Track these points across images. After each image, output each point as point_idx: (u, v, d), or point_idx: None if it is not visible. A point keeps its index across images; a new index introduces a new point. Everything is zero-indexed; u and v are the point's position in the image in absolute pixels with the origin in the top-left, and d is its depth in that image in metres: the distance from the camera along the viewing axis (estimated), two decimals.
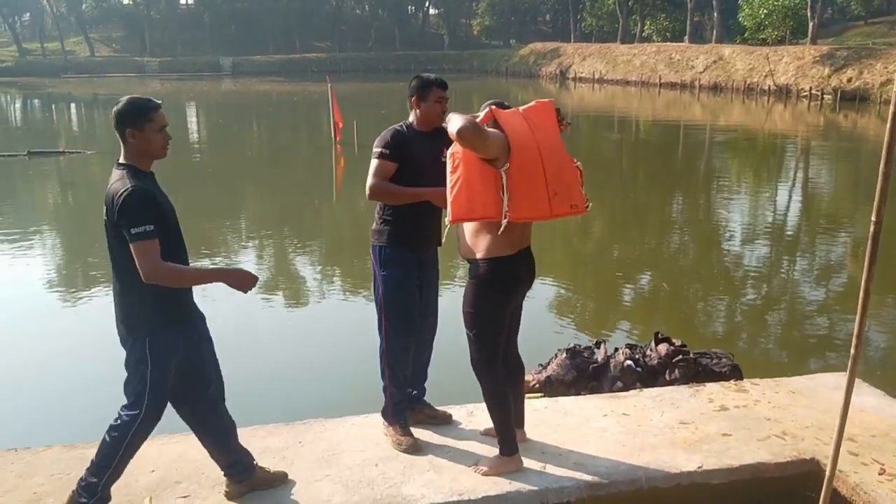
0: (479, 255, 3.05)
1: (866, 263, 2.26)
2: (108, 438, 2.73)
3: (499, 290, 3.07)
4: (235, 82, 50.93)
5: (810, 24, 37.95)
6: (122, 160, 2.73)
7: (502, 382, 3.13)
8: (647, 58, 42.59)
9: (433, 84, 3.47)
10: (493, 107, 3.08)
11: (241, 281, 2.76)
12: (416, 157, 3.39)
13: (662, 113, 31.25)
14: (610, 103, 35.24)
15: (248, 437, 3.22)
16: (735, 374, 4.48)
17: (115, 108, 2.73)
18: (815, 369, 5.39)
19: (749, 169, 17.85)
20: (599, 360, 4.64)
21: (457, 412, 3.67)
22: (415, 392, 3.63)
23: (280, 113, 31.88)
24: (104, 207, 2.65)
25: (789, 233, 11.26)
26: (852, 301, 7.76)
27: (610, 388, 4.40)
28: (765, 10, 36.26)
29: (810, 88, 31.02)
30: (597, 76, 44.95)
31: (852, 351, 2.38)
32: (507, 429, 3.12)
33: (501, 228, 2.91)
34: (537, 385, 4.56)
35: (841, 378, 3.87)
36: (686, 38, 48.01)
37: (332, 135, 17.92)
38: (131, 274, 2.61)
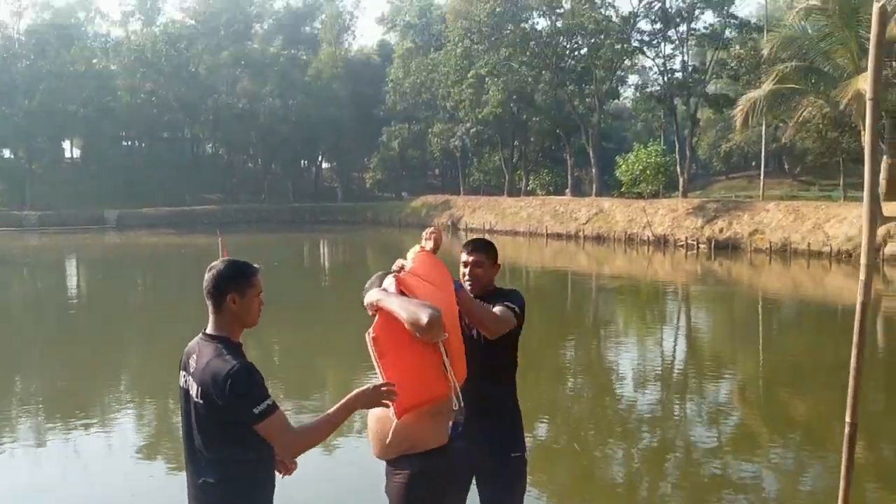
0: (419, 449, 2.78)
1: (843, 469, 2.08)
2: None
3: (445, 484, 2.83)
4: (120, 235, 49.52)
5: (681, 180, 41.04)
6: (212, 331, 2.53)
7: None
8: (533, 210, 44.55)
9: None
10: (399, 281, 2.90)
11: (371, 400, 2.56)
12: None
13: (550, 261, 32.31)
14: (500, 252, 36.11)
15: None
16: None
17: (212, 272, 2.56)
18: None
19: (635, 315, 18.36)
20: None
21: None
22: None
23: (166, 266, 30.87)
24: (195, 387, 2.41)
25: (677, 376, 11.38)
26: (745, 444, 7.79)
27: None
28: (639, 167, 39.01)
29: (686, 238, 32.99)
30: (487, 227, 46.46)
31: None
32: None
33: (456, 403, 2.69)
34: None
35: None
36: (568, 191, 50.81)
37: None
38: (238, 463, 2.38)
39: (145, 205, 59.60)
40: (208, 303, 2.57)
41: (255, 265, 2.66)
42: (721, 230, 31.95)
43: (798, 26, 26.23)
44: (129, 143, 74.18)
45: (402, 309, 2.66)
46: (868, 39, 23.70)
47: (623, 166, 40.44)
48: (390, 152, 66.56)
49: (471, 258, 3.51)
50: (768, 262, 28.01)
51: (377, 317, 2.79)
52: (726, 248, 30.88)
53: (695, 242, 32.51)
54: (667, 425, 8.86)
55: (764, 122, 33.94)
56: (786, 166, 58.19)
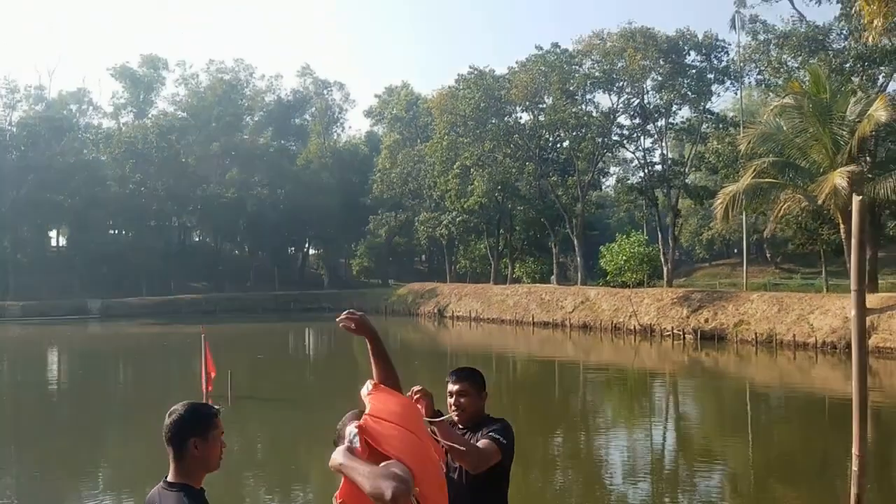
0: None
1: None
2: None
3: None
4: (103, 325, 49.02)
5: (665, 269, 41.46)
6: (173, 479, 2.44)
7: None
8: (519, 298, 44.68)
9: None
10: (362, 431, 2.64)
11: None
12: None
13: (537, 350, 32.20)
14: (487, 341, 36.09)
15: None
16: None
17: (172, 418, 2.49)
18: None
19: (623, 406, 18.25)
20: None
21: None
22: None
23: (148, 358, 30.43)
24: None
25: (668, 469, 11.25)
26: None
27: None
28: (623, 257, 39.46)
29: (672, 328, 33.09)
30: (473, 315, 46.45)
31: None
32: None
33: None
34: None
35: None
36: (553, 279, 51.10)
37: (204, 387, 16.90)
38: None
39: (130, 294, 59.30)
40: (168, 449, 2.50)
41: (216, 407, 2.62)
42: (706, 320, 32.11)
43: (773, 122, 27.09)
44: (116, 231, 74.32)
45: (365, 479, 2.47)
46: (841, 136, 24.58)
47: (607, 256, 40.89)
48: (377, 239, 67.07)
49: (455, 387, 3.47)
50: (754, 352, 28.07)
51: (342, 481, 2.63)
52: (712, 338, 30.97)
53: (681, 332, 32.60)
54: None
55: (744, 214, 34.61)
56: (767, 255, 59.00)
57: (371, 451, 2.58)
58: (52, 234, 72.80)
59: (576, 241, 46.98)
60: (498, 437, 3.34)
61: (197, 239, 79.65)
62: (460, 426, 3.46)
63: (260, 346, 32.62)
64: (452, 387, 3.50)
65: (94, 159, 68.12)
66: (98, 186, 63.96)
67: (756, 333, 29.48)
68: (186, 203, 67.44)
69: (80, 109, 71.23)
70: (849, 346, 26.10)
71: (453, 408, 3.47)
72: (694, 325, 32.33)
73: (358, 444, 2.62)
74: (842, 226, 25.77)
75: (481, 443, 3.30)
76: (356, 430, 2.65)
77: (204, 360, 16.80)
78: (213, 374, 16.65)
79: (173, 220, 71.97)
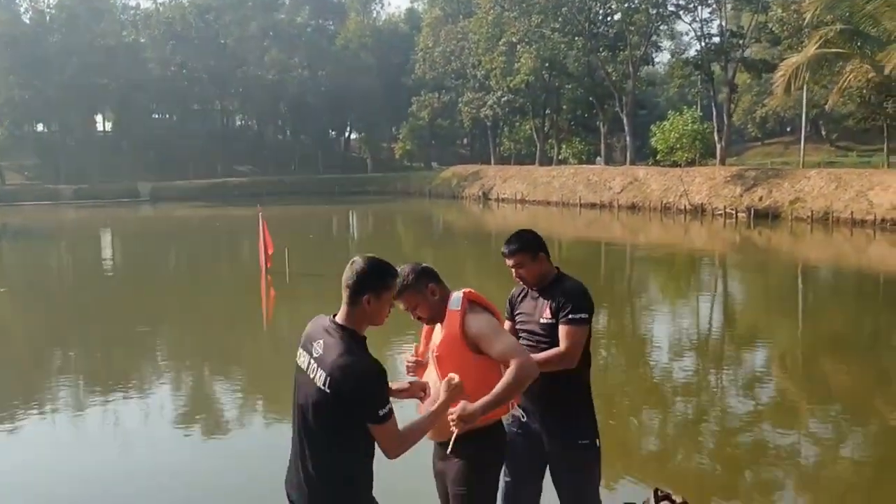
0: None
1: None
2: None
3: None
4: (154, 208, 50.02)
5: (718, 147, 40.20)
6: (342, 321, 2.60)
7: None
8: (565, 179, 44.05)
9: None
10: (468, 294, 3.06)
11: (454, 398, 2.72)
12: None
13: (584, 232, 31.97)
14: (533, 223, 35.83)
15: None
16: None
17: (354, 268, 2.63)
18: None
19: (671, 284, 18.04)
20: None
21: None
22: None
23: (201, 239, 31.07)
24: (321, 376, 2.49)
25: (714, 345, 11.15)
26: (783, 413, 7.58)
27: None
28: (675, 135, 38.26)
29: (724, 207, 32.41)
30: (518, 197, 46.11)
31: None
32: None
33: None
34: None
35: None
36: (600, 160, 50.13)
37: (263, 263, 17.18)
38: (352, 450, 2.51)
39: (178, 177, 60.10)
40: (344, 293, 2.62)
41: (396, 269, 2.71)
42: (760, 198, 31.32)
43: None
44: (160, 115, 74.64)
45: (502, 343, 2.93)
46: None
47: (658, 134, 39.67)
48: (419, 122, 66.12)
49: (510, 262, 3.42)
50: (809, 230, 27.43)
51: (442, 337, 2.98)
52: (766, 216, 30.28)
53: (733, 211, 31.92)
54: (702, 395, 8.74)
55: (805, 88, 33.02)
56: (823, 132, 56.90)
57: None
58: (98, 118, 73.43)
59: (625, 120, 45.60)
60: (578, 315, 3.31)
61: (240, 123, 79.61)
62: (535, 292, 3.46)
63: (308, 227, 32.97)
64: (508, 261, 3.45)
65: (134, 41, 67.64)
66: (140, 69, 63.76)
67: (812, 211, 28.72)
68: (227, 86, 67.07)
69: None
70: None
71: (517, 280, 3.48)
72: (747, 203, 31.58)
73: (459, 305, 2.95)
74: None
75: (561, 334, 3.28)
76: (462, 294, 3.01)
77: (262, 236, 17.03)
78: (270, 251, 16.93)
79: (216, 104, 71.87)
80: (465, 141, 76.52)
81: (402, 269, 3.00)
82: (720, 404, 8.27)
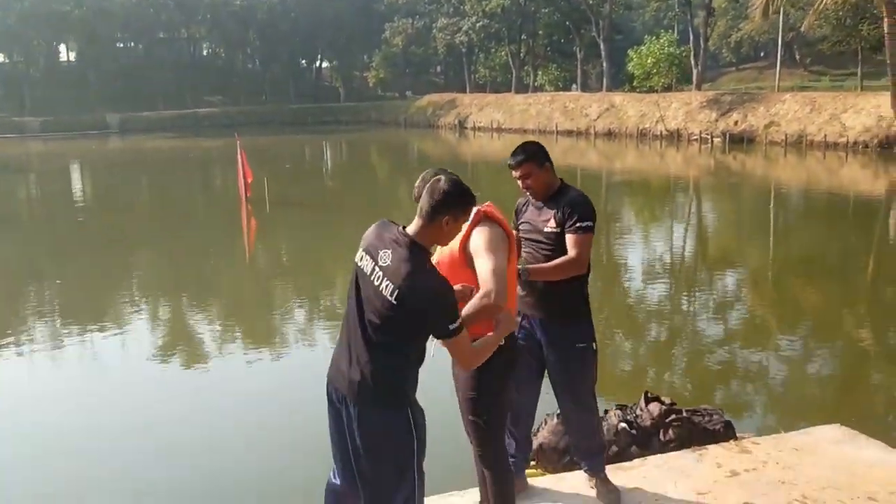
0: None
1: None
2: None
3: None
4: (124, 140, 49.02)
5: (694, 72, 40.04)
6: (413, 234, 2.53)
7: None
8: (542, 107, 43.77)
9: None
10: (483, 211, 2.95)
11: (511, 325, 2.78)
12: None
13: (561, 159, 31.93)
14: (509, 151, 35.58)
15: None
16: (728, 431, 4.26)
17: (439, 187, 2.55)
18: (792, 412, 5.48)
19: (645, 210, 18.26)
20: None
21: None
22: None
23: (175, 170, 30.60)
24: (389, 287, 2.45)
25: (687, 269, 11.42)
26: (753, 333, 7.86)
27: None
28: (652, 60, 38.00)
29: (700, 132, 32.52)
30: (495, 125, 45.82)
31: None
32: None
33: None
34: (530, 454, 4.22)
35: (838, 431, 3.82)
36: (576, 86, 49.76)
37: (242, 192, 17.09)
38: (406, 357, 2.55)
39: (146, 109, 58.78)
40: (420, 207, 2.56)
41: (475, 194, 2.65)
42: (736, 123, 31.46)
43: None
44: (126, 45, 72.33)
45: (495, 263, 2.79)
46: None
47: (635, 59, 39.36)
48: (393, 49, 64.87)
49: (517, 173, 3.47)
50: (783, 154, 27.70)
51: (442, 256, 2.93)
52: (741, 141, 30.48)
53: (709, 136, 32.07)
54: (675, 316, 8.94)
55: (782, 11, 32.81)
56: (797, 57, 56.73)
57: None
58: (62, 48, 71.03)
59: (602, 45, 45.14)
60: (583, 223, 3.37)
61: (207, 52, 77.53)
62: (539, 202, 3.52)
63: (283, 157, 32.64)
64: (514, 173, 3.50)
65: None
66: None
67: (786, 135, 28.94)
68: (195, 13, 65.08)
69: None
70: (881, 144, 25.67)
71: (524, 191, 3.53)
72: (723, 128, 31.72)
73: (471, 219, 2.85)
74: (885, 19, 24.52)
75: (569, 242, 3.35)
76: (477, 209, 2.92)
77: (241, 165, 16.91)
78: (250, 180, 16.85)
79: (182, 32, 69.76)
80: (439, 69, 75.35)
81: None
82: (692, 324, 8.51)
